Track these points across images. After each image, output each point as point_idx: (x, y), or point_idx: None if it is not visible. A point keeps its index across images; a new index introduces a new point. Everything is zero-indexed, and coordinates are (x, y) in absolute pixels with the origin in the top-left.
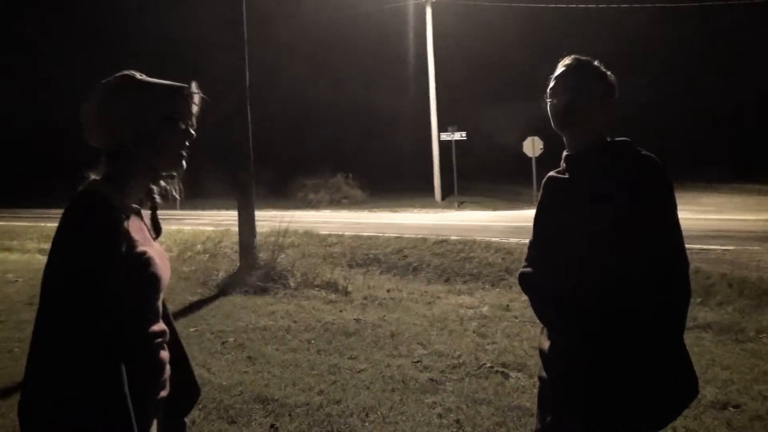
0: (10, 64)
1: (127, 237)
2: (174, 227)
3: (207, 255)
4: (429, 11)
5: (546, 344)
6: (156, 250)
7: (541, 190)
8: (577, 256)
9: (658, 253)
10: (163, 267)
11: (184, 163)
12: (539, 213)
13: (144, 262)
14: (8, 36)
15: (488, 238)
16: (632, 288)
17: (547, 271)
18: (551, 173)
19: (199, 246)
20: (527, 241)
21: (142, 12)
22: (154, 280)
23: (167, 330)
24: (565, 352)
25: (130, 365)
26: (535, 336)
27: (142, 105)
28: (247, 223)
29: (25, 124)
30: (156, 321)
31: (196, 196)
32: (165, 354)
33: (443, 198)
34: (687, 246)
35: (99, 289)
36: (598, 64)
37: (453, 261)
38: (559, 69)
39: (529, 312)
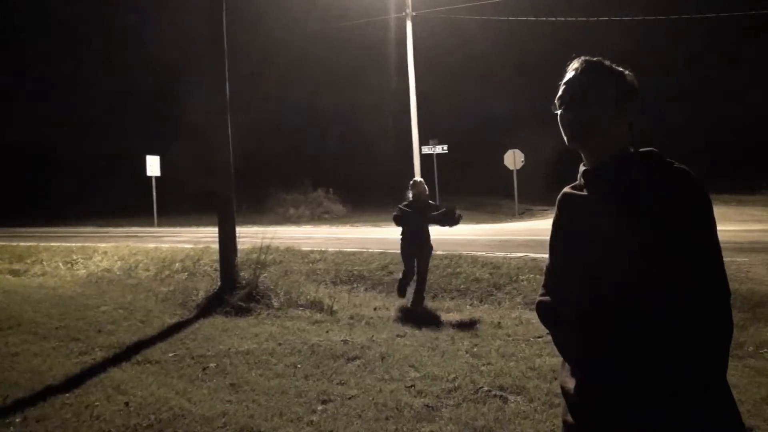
0: None
1: None
2: (151, 245)
3: (186, 274)
4: (409, 24)
5: (570, 383)
6: None
7: (555, 210)
8: (602, 282)
9: (698, 280)
10: None
11: None
12: (556, 234)
13: None
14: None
15: (474, 252)
16: (669, 318)
17: (569, 300)
18: (566, 189)
19: (177, 264)
20: (514, 255)
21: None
22: None
23: None
24: (594, 394)
25: None
26: (531, 356)
27: None
28: (227, 240)
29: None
30: None
31: (174, 212)
32: None
33: None
34: None
35: None
36: (610, 63)
37: (439, 277)
38: (568, 74)
39: (522, 330)
